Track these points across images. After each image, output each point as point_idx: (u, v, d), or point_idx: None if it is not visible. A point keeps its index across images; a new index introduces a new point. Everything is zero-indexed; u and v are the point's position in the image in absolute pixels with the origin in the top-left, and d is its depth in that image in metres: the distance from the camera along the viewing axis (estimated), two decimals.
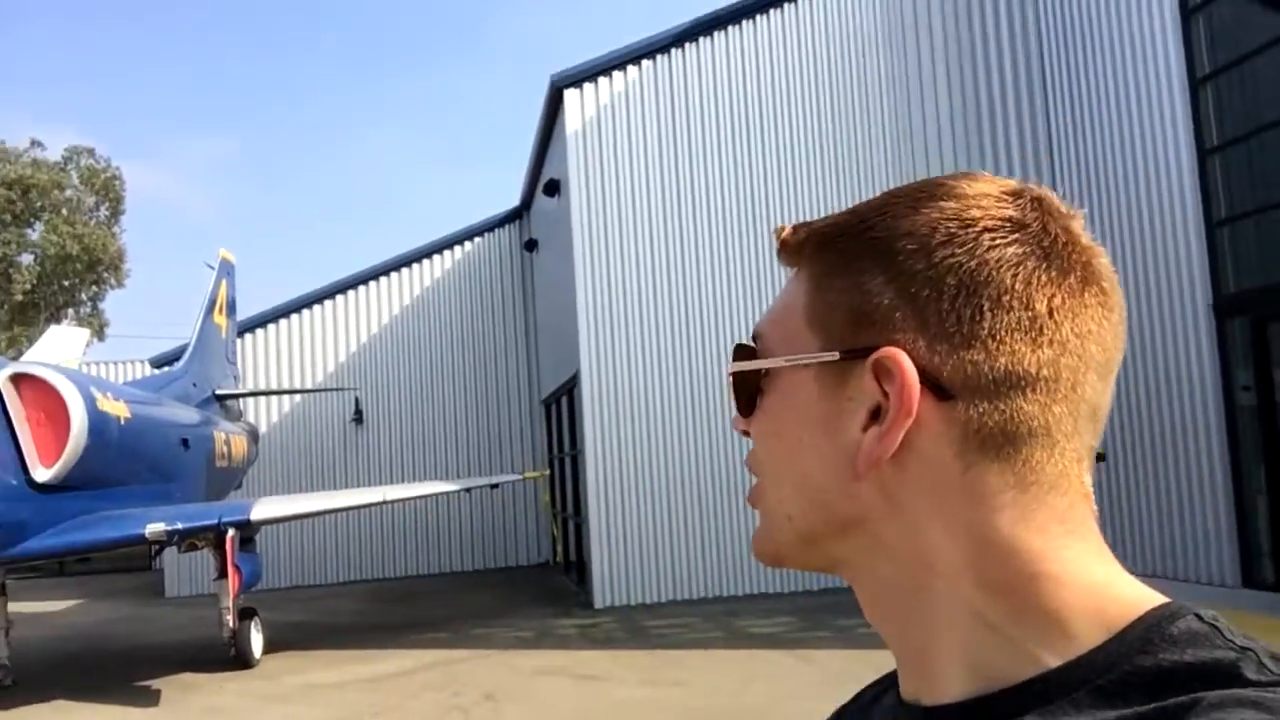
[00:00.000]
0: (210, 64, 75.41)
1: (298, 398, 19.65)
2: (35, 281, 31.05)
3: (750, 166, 14.59)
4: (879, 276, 0.71)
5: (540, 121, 16.37)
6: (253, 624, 11.57)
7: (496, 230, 21.01)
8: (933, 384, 0.69)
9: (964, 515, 0.69)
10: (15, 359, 18.23)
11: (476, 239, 20.97)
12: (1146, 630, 0.64)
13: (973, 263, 0.69)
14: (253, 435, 16.80)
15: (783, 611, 12.57)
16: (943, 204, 0.71)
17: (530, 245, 19.99)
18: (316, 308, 20.17)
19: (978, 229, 0.69)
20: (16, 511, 8.81)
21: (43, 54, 61.06)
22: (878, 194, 0.76)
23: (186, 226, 77.40)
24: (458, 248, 20.87)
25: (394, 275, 20.51)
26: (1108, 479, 12.61)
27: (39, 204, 30.86)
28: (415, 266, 20.61)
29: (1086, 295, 0.70)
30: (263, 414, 19.37)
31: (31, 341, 27.56)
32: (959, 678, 0.69)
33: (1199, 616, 0.65)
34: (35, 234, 31.24)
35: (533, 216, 20.12)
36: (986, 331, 0.68)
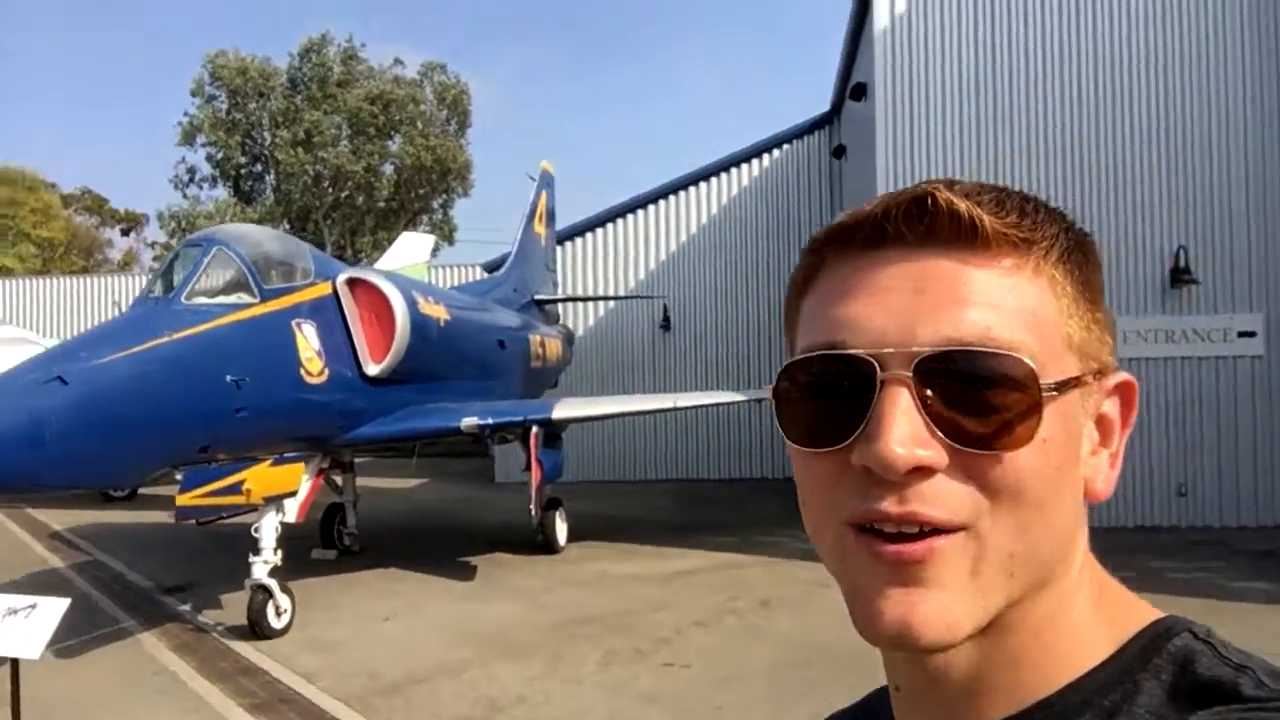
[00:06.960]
0: None
1: (611, 304, 20.61)
2: (394, 190, 34.41)
3: (1064, 78, 13.32)
4: (1101, 299, 0.72)
5: (849, 21, 15.75)
6: (558, 514, 12.50)
7: (805, 137, 20.66)
8: None
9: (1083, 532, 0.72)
10: (376, 260, 20.42)
11: (785, 146, 20.73)
12: (1144, 649, 0.65)
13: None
14: (567, 338, 17.80)
15: None
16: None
17: (839, 152, 19.46)
18: (630, 217, 20.91)
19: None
20: (353, 401, 9.98)
21: None
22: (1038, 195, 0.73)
23: (507, 131, 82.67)
24: (766, 155, 20.74)
25: (703, 184, 20.77)
26: None
27: (398, 118, 33.92)
28: (724, 175, 20.75)
29: None
30: (579, 318, 20.53)
31: (392, 244, 30.73)
32: (1010, 702, 0.67)
33: (1193, 633, 0.65)
34: (394, 146, 34.44)
35: (842, 122, 19.54)
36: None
